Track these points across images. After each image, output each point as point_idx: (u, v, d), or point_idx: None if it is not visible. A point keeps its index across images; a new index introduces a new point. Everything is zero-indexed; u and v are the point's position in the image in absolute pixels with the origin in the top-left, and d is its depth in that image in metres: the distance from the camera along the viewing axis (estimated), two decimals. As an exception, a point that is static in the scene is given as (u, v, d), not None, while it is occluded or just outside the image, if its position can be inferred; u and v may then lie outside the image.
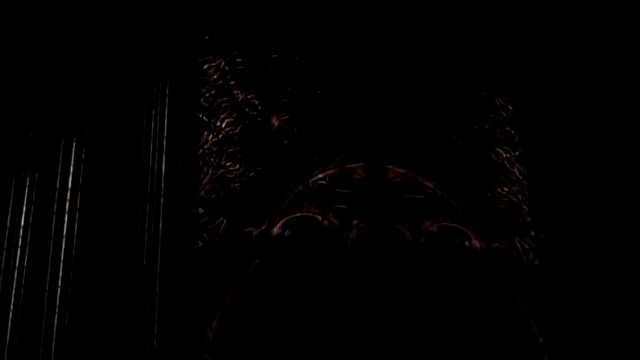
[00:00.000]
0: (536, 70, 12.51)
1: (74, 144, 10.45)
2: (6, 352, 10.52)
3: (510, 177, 12.08)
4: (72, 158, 10.37)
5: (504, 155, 12.13)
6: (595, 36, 12.82)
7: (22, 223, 10.19)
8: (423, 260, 11.52)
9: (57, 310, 9.77)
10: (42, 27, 11.33)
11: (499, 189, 11.93)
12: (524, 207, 11.93)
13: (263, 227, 11.03)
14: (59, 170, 10.09)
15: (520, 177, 12.02)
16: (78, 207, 10.06)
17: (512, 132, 12.34)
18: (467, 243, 11.76)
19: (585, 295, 11.34)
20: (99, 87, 10.65)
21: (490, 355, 11.04)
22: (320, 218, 11.62)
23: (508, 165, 12.09)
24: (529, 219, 11.96)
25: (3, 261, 10.41)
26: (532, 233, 11.94)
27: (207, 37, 11.99)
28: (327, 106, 12.17)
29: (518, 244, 11.64)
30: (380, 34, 12.76)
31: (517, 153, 12.15)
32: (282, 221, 11.30)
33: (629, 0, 13.00)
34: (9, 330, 10.53)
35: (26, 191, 10.38)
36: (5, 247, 10.36)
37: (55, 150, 10.47)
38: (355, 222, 11.71)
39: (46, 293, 10.09)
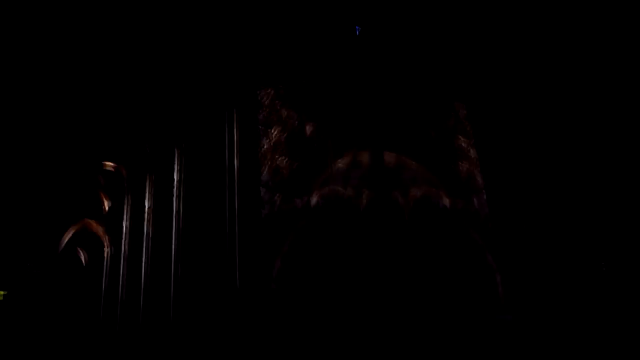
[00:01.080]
0: (483, 83, 14.68)
1: (177, 153, 13.98)
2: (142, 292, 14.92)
3: (468, 157, 14.39)
4: (177, 163, 13.88)
5: (463, 142, 14.47)
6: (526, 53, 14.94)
7: (149, 205, 14.12)
8: (412, 215, 13.90)
9: (172, 262, 13.11)
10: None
11: (460, 165, 14.25)
12: (478, 177, 14.20)
13: (305, 200, 13.46)
14: (174, 170, 13.79)
15: (475, 157, 14.38)
16: (182, 195, 13.46)
17: (468, 126, 14.67)
18: (440, 202, 14.03)
19: (521, 233, 13.57)
20: (192, 115, 13.87)
21: (457, 273, 13.32)
22: (341, 191, 13.94)
23: (466, 149, 14.43)
24: (482, 184, 14.19)
25: (143, 230, 14.96)
26: (484, 194, 14.13)
27: (261, 74, 14.34)
28: (340, 116, 14.34)
29: (475, 201, 14.02)
30: (374, 67, 14.73)
31: (472, 140, 14.55)
32: (317, 194, 13.67)
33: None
34: (142, 278, 15.31)
35: (149, 186, 14.26)
36: (142, 221, 14.44)
37: (166, 159, 14.03)
38: (365, 192, 13.97)
39: (168, 252, 13.25)
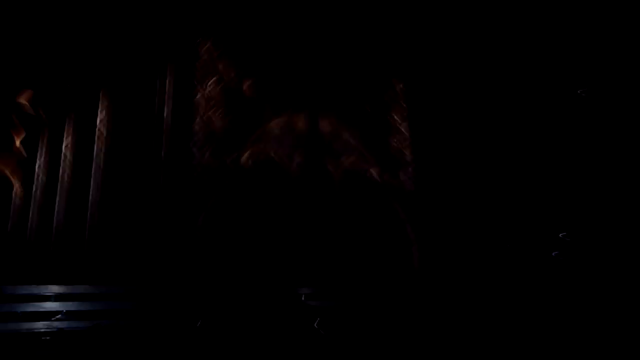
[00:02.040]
0: (418, 60, 15.08)
1: (102, 94, 13.21)
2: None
3: (399, 132, 14.66)
4: (101, 105, 13.11)
5: (396, 118, 14.72)
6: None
7: (67, 149, 13.55)
8: (340, 184, 14.07)
9: (89, 210, 14.63)
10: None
11: (391, 140, 14.58)
12: (407, 152, 14.53)
13: (234, 157, 13.31)
14: (97, 112, 13.15)
15: (406, 133, 14.68)
16: (105, 140, 12.97)
17: (403, 103, 14.90)
18: (368, 174, 14.29)
19: (441, 210, 14.31)
20: (124, 55, 13.32)
21: (377, 242, 13.78)
22: (272, 154, 13.72)
23: (398, 125, 14.70)
24: (409, 160, 14.54)
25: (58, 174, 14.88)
26: (411, 169, 14.51)
27: (199, 26, 13.96)
28: (279, 76, 14.13)
29: (401, 175, 14.38)
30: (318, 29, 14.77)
31: (405, 116, 14.77)
32: (247, 154, 13.46)
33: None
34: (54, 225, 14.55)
35: (67, 128, 13.51)
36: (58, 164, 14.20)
37: (90, 99, 13.31)
38: (296, 156, 13.95)
39: (85, 200, 14.52)
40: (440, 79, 14.90)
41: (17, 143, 13.68)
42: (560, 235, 14.46)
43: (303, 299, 11.37)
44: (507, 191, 14.51)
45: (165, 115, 13.18)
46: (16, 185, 13.64)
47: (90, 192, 12.82)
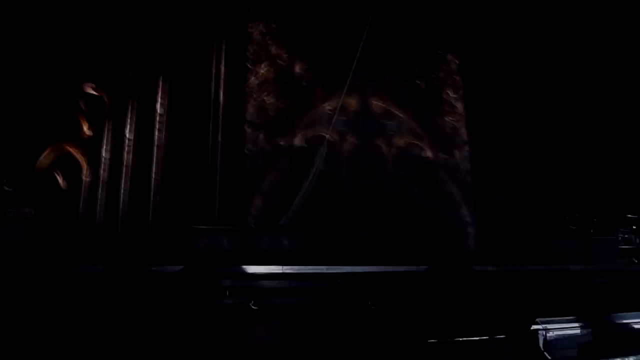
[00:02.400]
0: (475, 35, 14.76)
1: (161, 81, 13.72)
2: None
3: (455, 110, 14.59)
4: (160, 91, 13.64)
5: (451, 95, 14.61)
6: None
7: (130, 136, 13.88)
8: (393, 164, 14.15)
9: (151, 192, 13.93)
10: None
11: (446, 118, 14.51)
12: (463, 131, 14.50)
13: (288, 140, 13.70)
14: (157, 99, 13.66)
15: (461, 111, 14.61)
16: (165, 125, 13.50)
17: (458, 78, 14.76)
18: (423, 154, 14.32)
19: (499, 190, 14.28)
20: (179, 43, 13.63)
21: (433, 224, 13.92)
22: (325, 134, 13.88)
23: (453, 102, 14.61)
24: (465, 139, 14.54)
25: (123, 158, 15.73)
26: (467, 148, 14.52)
27: (251, 9, 14.29)
28: (331, 57, 14.26)
29: (457, 155, 14.39)
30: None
31: (460, 94, 14.72)
32: (300, 136, 13.79)
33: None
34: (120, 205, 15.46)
35: (130, 113, 13.92)
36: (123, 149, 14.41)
37: (149, 86, 13.76)
38: (349, 137, 14.13)
39: (148, 182, 13.90)
40: (497, 54, 14.46)
41: (85, 128, 14.54)
42: (628, 215, 13.81)
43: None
44: (568, 170, 13.94)
45: (220, 99, 13.56)
46: (85, 167, 14.51)
47: (152, 175, 13.43)
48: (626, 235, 13.21)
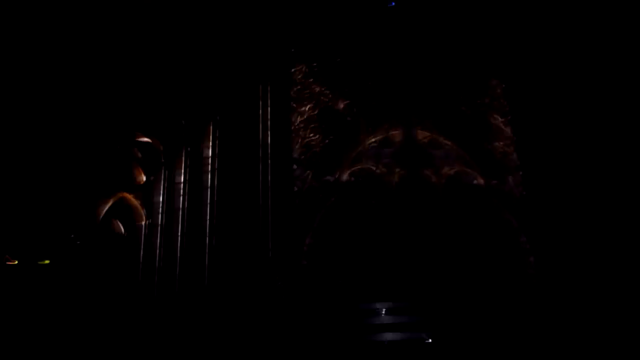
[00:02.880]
0: (519, 59, 14.42)
1: (211, 127, 14.34)
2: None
3: (503, 135, 14.21)
4: (210, 137, 14.29)
5: (499, 119, 14.28)
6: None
7: (183, 179, 14.47)
8: (444, 194, 13.81)
9: (207, 235, 13.72)
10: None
11: (495, 144, 14.12)
12: (513, 155, 14.04)
13: (336, 176, 13.70)
14: (208, 144, 14.22)
15: (510, 135, 14.18)
16: (215, 168, 14.08)
17: (504, 103, 14.44)
18: (474, 181, 13.92)
19: (556, 215, 13.51)
20: (228, 88, 14.27)
21: (490, 254, 13.28)
22: (373, 168, 13.90)
23: (502, 127, 14.26)
24: (517, 164, 14.01)
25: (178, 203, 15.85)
26: (520, 173, 13.96)
27: (293, 50, 14.69)
28: (374, 93, 14.34)
29: (510, 181, 13.87)
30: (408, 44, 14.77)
31: (508, 118, 14.34)
32: (348, 171, 13.80)
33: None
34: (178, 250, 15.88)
35: (184, 159, 14.55)
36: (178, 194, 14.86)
37: (200, 132, 14.38)
38: (397, 169, 13.95)
39: (203, 225, 13.98)
40: (541, 77, 14.13)
41: (142, 179, 15.17)
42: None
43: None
44: (621, 189, 13.27)
45: (268, 141, 13.95)
46: (142, 216, 15.07)
47: (207, 219, 13.79)
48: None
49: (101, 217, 14.47)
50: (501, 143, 14.18)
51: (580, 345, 11.61)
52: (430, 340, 11.98)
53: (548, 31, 14.43)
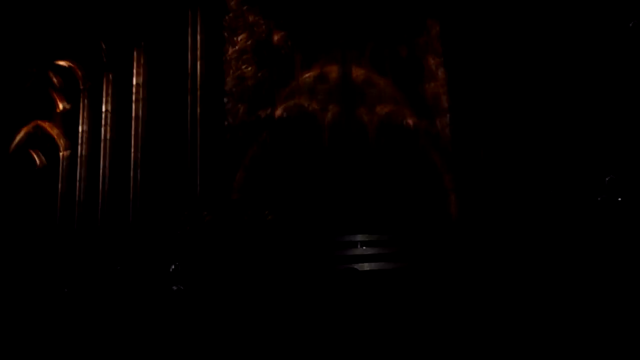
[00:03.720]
0: (454, 3, 14.35)
1: (137, 53, 13.58)
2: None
3: (436, 77, 14.24)
4: (135, 63, 13.52)
5: (432, 61, 14.25)
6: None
7: (107, 108, 13.99)
8: (376, 133, 13.78)
9: (131, 167, 13.72)
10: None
11: (427, 86, 14.15)
12: (443, 98, 14.16)
13: (269, 111, 13.27)
14: (133, 71, 13.46)
15: (443, 77, 14.23)
16: (143, 97, 13.52)
17: (439, 44, 14.41)
18: (404, 122, 13.98)
19: (480, 157, 14.17)
20: (155, 12, 13.53)
21: (415, 191, 13.63)
22: (306, 105, 13.50)
23: (434, 69, 14.24)
24: (446, 106, 14.17)
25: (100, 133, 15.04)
26: (448, 116, 14.18)
27: None
28: (309, 26, 13.72)
29: (438, 123, 14.09)
30: None
31: (441, 60, 14.35)
32: (281, 107, 13.39)
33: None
34: (100, 182, 15.33)
35: (106, 87, 14.01)
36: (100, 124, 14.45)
37: (124, 58, 13.69)
38: (330, 107, 13.62)
39: (127, 157, 13.91)
40: (477, 19, 14.15)
41: (60, 106, 14.15)
42: (607, 179, 13.93)
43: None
44: (548, 134, 13.95)
45: (198, 71, 13.28)
46: (63, 147, 14.19)
47: (132, 150, 13.22)
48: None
49: (14, 146, 13.48)
50: (433, 85, 14.31)
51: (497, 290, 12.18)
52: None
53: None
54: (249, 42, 13.52)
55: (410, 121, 14.08)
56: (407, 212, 13.50)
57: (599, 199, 13.70)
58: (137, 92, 13.33)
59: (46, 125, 14.37)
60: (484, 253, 12.02)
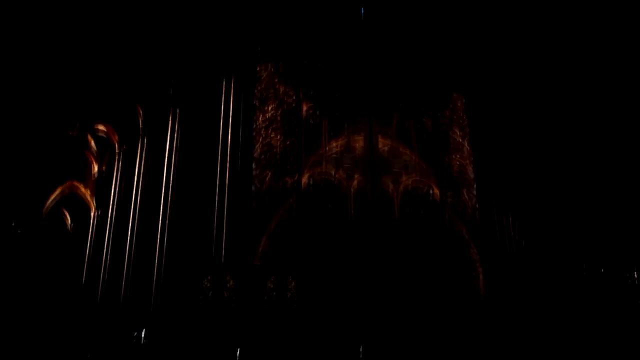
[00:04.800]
0: (479, 77, 14.70)
1: (171, 120, 13.79)
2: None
3: (461, 149, 14.34)
4: (169, 131, 13.66)
5: (458, 133, 14.41)
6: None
7: (140, 172, 13.85)
8: (400, 203, 13.94)
9: (159, 231, 13.58)
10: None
11: (452, 157, 14.24)
12: (469, 170, 14.20)
13: (295, 178, 13.57)
14: (166, 138, 13.65)
15: (468, 149, 14.33)
16: (174, 163, 13.46)
17: (463, 117, 14.58)
18: (430, 192, 14.05)
19: (507, 230, 14.28)
20: (190, 80, 13.91)
21: (441, 264, 13.49)
22: (333, 173, 13.89)
23: (460, 140, 14.39)
24: (472, 177, 14.17)
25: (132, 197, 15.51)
26: (474, 186, 14.14)
27: (259, 48, 14.42)
28: (339, 98, 14.30)
29: (465, 194, 14.04)
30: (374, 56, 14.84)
31: (466, 132, 14.45)
32: (307, 175, 13.76)
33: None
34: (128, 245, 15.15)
35: (140, 152, 13.98)
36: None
37: (159, 124, 13.91)
38: (356, 176, 14.03)
39: (156, 220, 14.60)
40: (502, 93, 14.47)
41: (95, 168, 14.59)
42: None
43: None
44: (576, 209, 13.80)
45: (229, 139, 13.52)
46: (94, 208, 14.48)
47: (160, 214, 13.31)
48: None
49: (49, 206, 13.86)
50: (458, 157, 14.38)
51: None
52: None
53: (511, 48, 14.79)
54: (279, 112, 13.94)
55: (435, 191, 14.13)
56: (431, 281, 13.28)
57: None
58: (170, 158, 13.57)
59: (80, 186, 14.79)
60: (513, 336, 11.62)
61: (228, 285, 12.50)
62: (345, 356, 10.85)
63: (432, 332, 11.05)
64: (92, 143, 14.74)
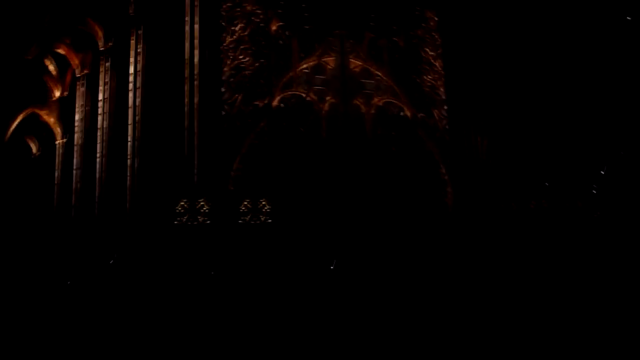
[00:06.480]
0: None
1: (134, 40, 13.05)
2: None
3: (433, 68, 14.28)
4: (133, 51, 12.99)
5: (430, 53, 14.28)
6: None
7: (104, 96, 13.62)
8: (372, 123, 13.89)
9: (128, 155, 13.66)
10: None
11: (424, 77, 14.19)
12: (441, 89, 14.24)
13: (266, 101, 13.29)
14: (130, 59, 13.04)
15: (440, 69, 14.31)
16: (139, 85, 12.90)
17: (436, 36, 14.43)
18: (401, 113, 14.07)
19: (476, 149, 14.65)
20: (157, 5, 13.01)
21: (411, 182, 13.86)
22: (304, 95, 13.63)
23: (432, 60, 14.31)
24: (444, 97, 14.29)
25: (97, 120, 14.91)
26: (445, 107, 14.32)
27: None
28: (309, 16, 13.81)
29: (435, 114, 14.22)
30: None
31: (438, 52, 14.38)
32: (278, 97, 13.45)
33: None
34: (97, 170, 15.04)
35: (103, 74, 13.58)
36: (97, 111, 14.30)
37: (122, 45, 13.25)
38: (327, 97, 13.80)
39: (124, 145, 13.40)
40: (475, 11, 14.15)
41: (57, 94, 13.99)
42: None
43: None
44: (544, 131, 14.06)
45: (195, 60, 13.03)
46: (59, 136, 14.06)
47: (129, 139, 13.03)
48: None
49: (10, 134, 13.34)
50: (430, 77, 14.31)
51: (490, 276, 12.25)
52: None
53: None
54: (247, 32, 13.36)
55: (407, 112, 14.15)
56: (403, 202, 13.61)
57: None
58: (134, 80, 13.04)
59: (42, 112, 14.23)
60: (480, 244, 12.08)
61: (202, 210, 12.62)
62: (319, 273, 11.20)
63: (405, 244, 11.40)
64: (51, 67, 14.06)
